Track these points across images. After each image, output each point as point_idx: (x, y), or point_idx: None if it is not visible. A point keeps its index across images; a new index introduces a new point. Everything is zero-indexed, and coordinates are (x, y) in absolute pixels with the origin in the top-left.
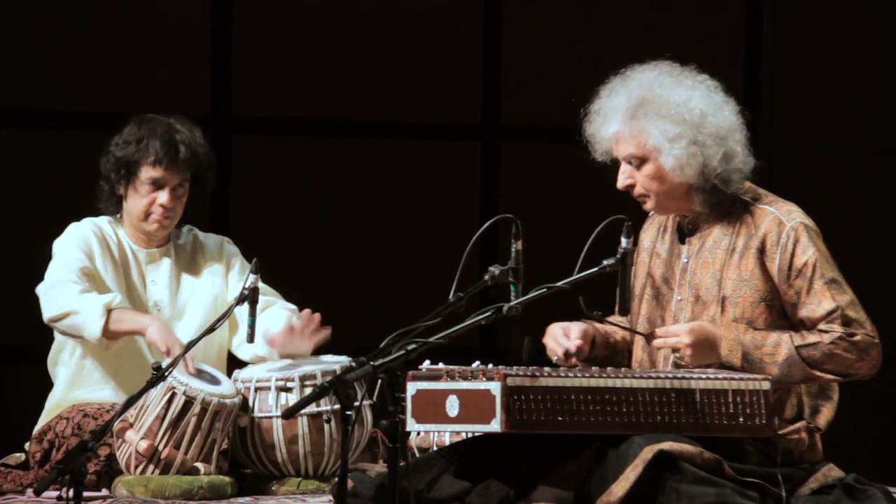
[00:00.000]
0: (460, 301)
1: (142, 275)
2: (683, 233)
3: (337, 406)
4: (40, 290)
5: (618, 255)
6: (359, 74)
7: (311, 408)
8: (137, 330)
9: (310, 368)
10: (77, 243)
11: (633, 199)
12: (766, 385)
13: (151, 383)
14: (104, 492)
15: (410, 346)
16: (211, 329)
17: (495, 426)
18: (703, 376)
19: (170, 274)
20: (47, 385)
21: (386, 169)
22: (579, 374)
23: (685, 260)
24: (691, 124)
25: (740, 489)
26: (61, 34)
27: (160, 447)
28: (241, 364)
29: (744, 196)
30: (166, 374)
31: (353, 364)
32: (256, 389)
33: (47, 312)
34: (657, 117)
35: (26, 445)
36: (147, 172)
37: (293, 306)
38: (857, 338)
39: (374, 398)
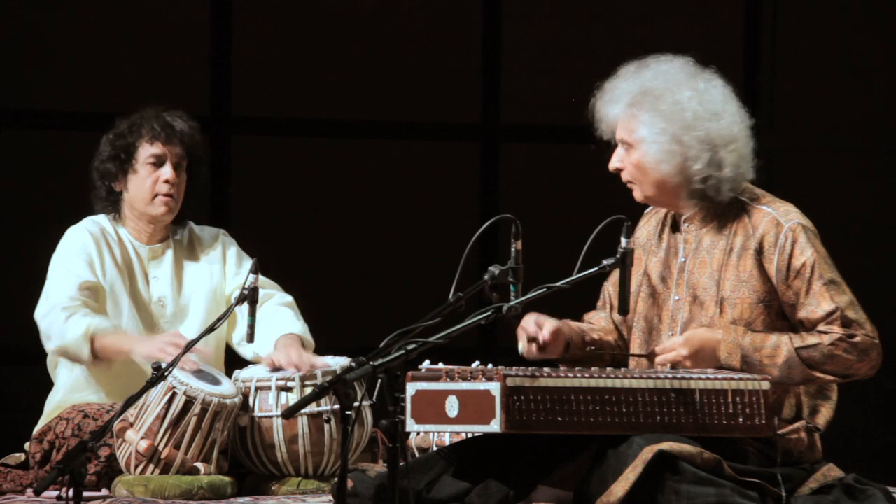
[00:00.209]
0: (460, 301)
1: (144, 271)
2: (680, 230)
3: (337, 406)
4: (37, 317)
5: (617, 255)
6: (359, 74)
7: (311, 407)
8: (123, 353)
9: None
10: (75, 254)
11: (633, 200)
12: (765, 385)
13: (151, 383)
14: (104, 492)
15: (410, 346)
16: (210, 329)
17: (495, 427)
18: (703, 376)
19: (172, 269)
20: (47, 385)
21: (386, 169)
22: (579, 375)
23: (682, 259)
24: (681, 124)
25: (740, 489)
26: (61, 34)
27: (160, 447)
28: (242, 364)
29: (741, 196)
30: (166, 373)
31: (353, 364)
32: (257, 389)
33: (46, 345)
34: (652, 110)
35: (26, 445)
36: (146, 151)
37: (290, 298)
38: (857, 339)
39: (374, 398)
